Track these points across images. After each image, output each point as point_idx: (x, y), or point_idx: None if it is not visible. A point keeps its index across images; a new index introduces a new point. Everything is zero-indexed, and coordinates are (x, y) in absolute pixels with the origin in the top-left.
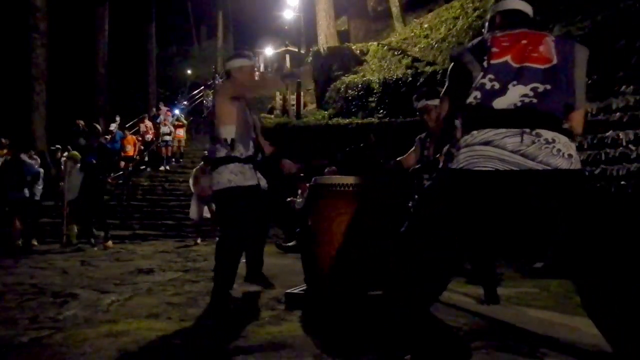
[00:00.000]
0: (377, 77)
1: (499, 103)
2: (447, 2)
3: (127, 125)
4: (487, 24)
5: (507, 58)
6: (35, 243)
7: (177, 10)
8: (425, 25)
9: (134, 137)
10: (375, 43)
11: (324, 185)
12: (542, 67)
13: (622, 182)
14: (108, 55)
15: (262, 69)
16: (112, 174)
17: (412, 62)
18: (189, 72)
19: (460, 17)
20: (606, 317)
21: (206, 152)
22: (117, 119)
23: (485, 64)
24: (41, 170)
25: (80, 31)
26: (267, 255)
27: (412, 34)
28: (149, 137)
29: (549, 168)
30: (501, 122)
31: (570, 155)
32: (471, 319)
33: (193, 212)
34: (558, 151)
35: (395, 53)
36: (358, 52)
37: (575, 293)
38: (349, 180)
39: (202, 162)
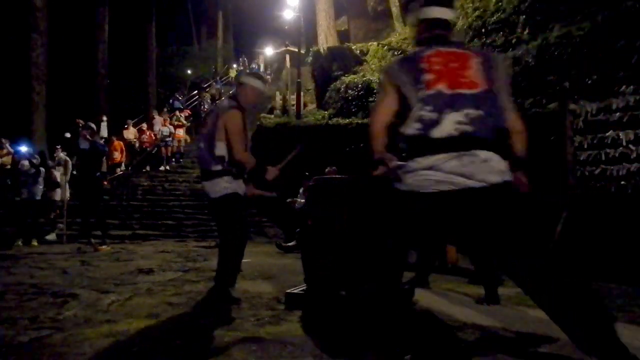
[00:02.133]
0: (377, 77)
1: (437, 132)
2: None
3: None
4: (411, 28)
5: (441, 86)
6: (36, 243)
7: (177, 10)
8: None
9: (120, 142)
10: (375, 43)
11: (324, 185)
12: (472, 92)
13: (622, 182)
14: (108, 55)
15: (262, 69)
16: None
17: None
18: (189, 72)
19: (460, 17)
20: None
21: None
22: (104, 119)
23: (421, 94)
24: (42, 169)
25: (80, 31)
26: (267, 255)
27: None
28: (146, 137)
29: (485, 184)
30: (441, 148)
31: (502, 171)
32: (471, 319)
33: None
34: (491, 167)
35: (395, 53)
36: (358, 52)
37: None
38: (348, 180)
39: None
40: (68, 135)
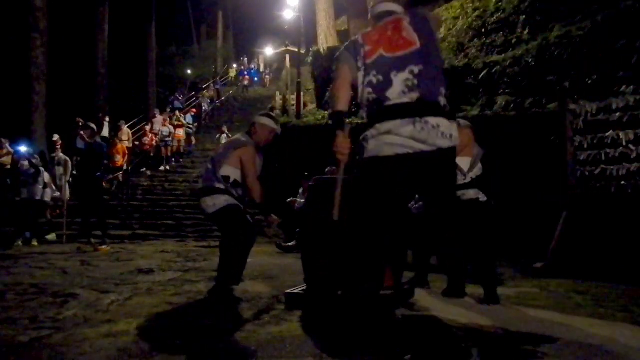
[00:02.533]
0: None
1: (391, 93)
2: (447, 2)
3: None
4: (372, 22)
5: (380, 51)
6: (35, 243)
7: (177, 10)
8: None
9: (123, 145)
10: None
11: (324, 184)
12: (409, 50)
13: (622, 182)
14: (108, 55)
15: (262, 68)
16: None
17: None
18: (189, 72)
19: (460, 17)
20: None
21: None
22: (107, 120)
23: (362, 64)
24: (42, 169)
25: (80, 31)
26: (267, 255)
27: None
28: (147, 140)
29: (434, 148)
30: (397, 114)
31: (451, 136)
32: (471, 319)
33: None
34: (441, 133)
35: None
36: None
37: (573, 292)
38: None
39: None
40: (56, 137)
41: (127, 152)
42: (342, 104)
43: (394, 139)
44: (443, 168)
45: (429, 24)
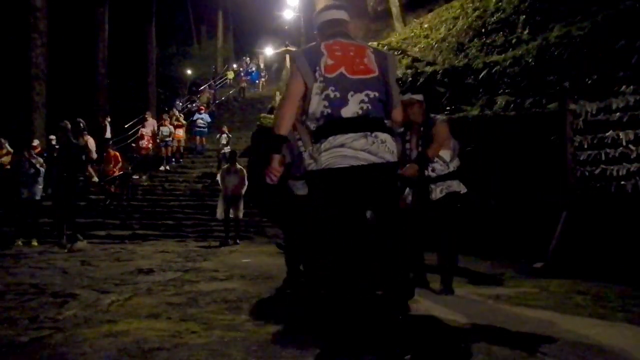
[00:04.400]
0: None
1: (345, 112)
2: (447, 2)
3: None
4: (316, 32)
5: (342, 70)
6: (35, 243)
7: (177, 10)
8: (425, 25)
9: (117, 153)
10: (375, 43)
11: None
12: (369, 76)
13: (622, 182)
14: (108, 55)
15: (262, 68)
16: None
17: (412, 62)
18: (189, 72)
19: (460, 17)
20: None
21: (224, 150)
22: (108, 120)
23: (319, 75)
24: (42, 169)
25: (80, 31)
26: (267, 255)
27: (412, 34)
28: (144, 143)
29: (384, 161)
30: (349, 128)
31: (393, 152)
32: (472, 318)
33: (219, 212)
34: (388, 148)
35: (395, 53)
36: None
37: (573, 292)
38: None
39: (228, 163)
40: (82, 141)
41: (119, 159)
42: (285, 129)
43: (348, 151)
44: (390, 180)
45: (387, 60)
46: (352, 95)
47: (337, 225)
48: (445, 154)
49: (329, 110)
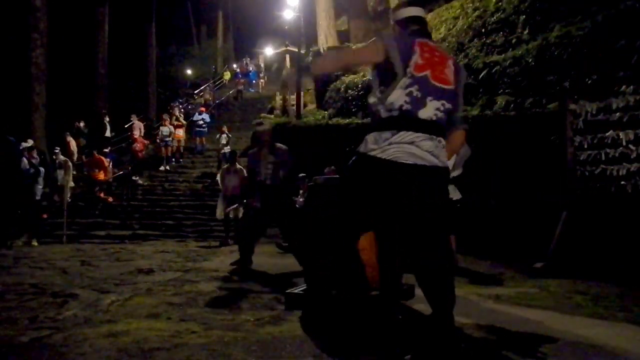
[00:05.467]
0: None
1: (422, 113)
2: (447, 2)
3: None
4: (396, 26)
5: (427, 73)
6: (35, 243)
7: (177, 10)
8: None
9: (102, 157)
10: None
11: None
12: (447, 87)
13: (622, 182)
14: (108, 55)
15: (262, 68)
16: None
17: None
18: (189, 72)
19: (460, 17)
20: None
21: (224, 150)
22: (107, 120)
23: (409, 71)
24: (42, 169)
25: (80, 31)
26: (267, 255)
27: None
28: (138, 146)
29: (444, 165)
30: (421, 128)
31: (446, 157)
32: (472, 318)
33: (219, 212)
34: (445, 154)
35: None
36: None
37: (573, 292)
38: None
39: (228, 163)
40: (83, 141)
41: (105, 163)
42: (322, 71)
43: (416, 150)
44: (446, 183)
45: (461, 75)
46: (430, 100)
47: (380, 218)
48: (453, 159)
49: (409, 107)
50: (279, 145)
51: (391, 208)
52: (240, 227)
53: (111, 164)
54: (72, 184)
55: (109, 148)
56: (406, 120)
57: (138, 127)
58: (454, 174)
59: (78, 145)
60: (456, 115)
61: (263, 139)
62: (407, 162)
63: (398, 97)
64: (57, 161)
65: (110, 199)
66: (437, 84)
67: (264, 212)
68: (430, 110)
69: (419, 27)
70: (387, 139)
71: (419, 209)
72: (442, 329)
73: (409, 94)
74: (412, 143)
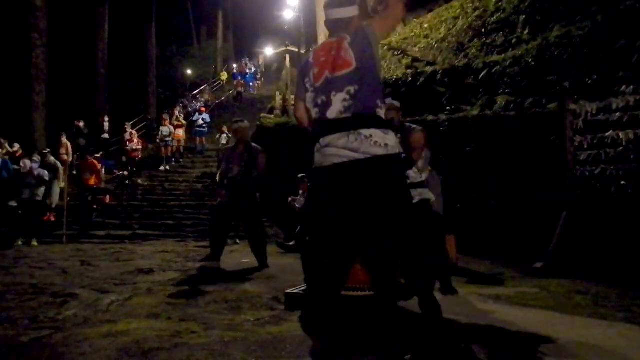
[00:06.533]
0: None
1: (331, 114)
2: (447, 2)
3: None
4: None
5: (326, 74)
6: (36, 243)
7: (177, 10)
8: (425, 25)
9: (95, 161)
10: None
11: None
12: (347, 71)
13: (622, 182)
14: (108, 55)
15: (262, 68)
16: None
17: (412, 62)
18: (189, 72)
19: (460, 17)
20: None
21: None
22: (106, 119)
23: (310, 85)
24: (45, 171)
25: (80, 31)
26: (268, 255)
27: (412, 34)
28: (134, 146)
29: (369, 156)
30: (335, 129)
31: (385, 144)
32: (472, 318)
33: None
34: (375, 142)
35: (395, 53)
36: None
37: (573, 292)
38: None
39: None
40: (83, 142)
41: (97, 167)
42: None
43: (332, 150)
44: (381, 174)
45: (368, 38)
46: (334, 95)
47: (325, 223)
48: (419, 162)
49: (319, 114)
50: (255, 145)
51: (328, 212)
52: (210, 222)
53: (104, 169)
54: (62, 184)
55: (101, 153)
56: (320, 126)
57: (129, 133)
58: (425, 175)
59: (78, 146)
60: (369, 91)
61: (239, 137)
62: (327, 164)
63: (311, 110)
64: (46, 163)
65: (107, 200)
66: (337, 74)
67: (231, 208)
68: (336, 106)
69: (334, 30)
70: (315, 150)
71: (352, 207)
72: (438, 329)
73: (317, 104)
74: (327, 146)
